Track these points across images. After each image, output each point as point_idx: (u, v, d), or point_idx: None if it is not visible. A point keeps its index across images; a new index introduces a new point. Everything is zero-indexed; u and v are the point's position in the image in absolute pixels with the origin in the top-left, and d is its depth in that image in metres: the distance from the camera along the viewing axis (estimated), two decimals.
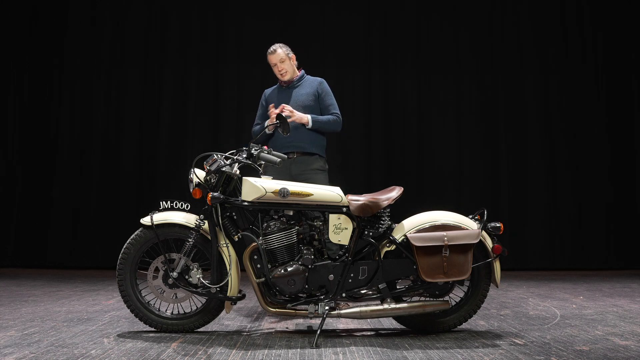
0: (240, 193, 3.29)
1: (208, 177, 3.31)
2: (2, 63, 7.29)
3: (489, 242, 3.31)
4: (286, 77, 4.14)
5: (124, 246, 3.33)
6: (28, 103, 7.26)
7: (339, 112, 4.13)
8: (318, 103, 4.11)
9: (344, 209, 3.28)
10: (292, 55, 4.14)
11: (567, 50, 7.42)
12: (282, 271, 3.22)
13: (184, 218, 3.33)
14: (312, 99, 4.09)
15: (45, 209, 7.14)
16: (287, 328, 3.51)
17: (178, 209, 3.35)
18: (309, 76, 4.23)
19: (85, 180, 7.17)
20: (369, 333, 3.38)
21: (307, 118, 4.00)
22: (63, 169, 7.17)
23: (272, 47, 4.12)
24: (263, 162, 3.32)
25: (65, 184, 7.16)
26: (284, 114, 3.77)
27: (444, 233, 3.20)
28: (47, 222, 7.13)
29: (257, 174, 3.38)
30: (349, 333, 3.37)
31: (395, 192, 3.34)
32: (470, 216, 3.38)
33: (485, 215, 3.33)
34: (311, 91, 4.12)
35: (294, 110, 3.97)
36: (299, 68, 4.21)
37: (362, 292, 3.29)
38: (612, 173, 7.32)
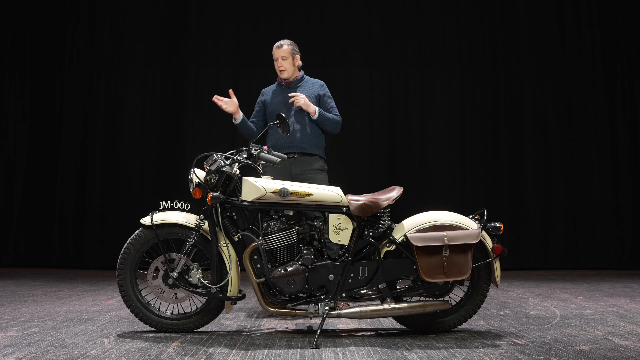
0: (240, 193, 3.29)
1: (208, 177, 3.31)
2: (1, 60, 7.29)
3: (489, 242, 3.31)
4: (284, 75, 4.14)
5: (124, 246, 3.33)
6: (29, 103, 7.25)
7: (340, 116, 4.19)
8: (319, 104, 4.12)
9: (344, 209, 3.28)
10: (297, 55, 4.15)
11: (566, 49, 7.40)
12: (282, 271, 3.22)
13: (184, 218, 3.33)
14: (313, 101, 4.09)
15: (45, 208, 7.13)
16: (287, 328, 3.51)
17: (178, 209, 3.35)
18: (309, 77, 4.24)
19: (86, 180, 7.16)
20: (369, 333, 3.38)
21: (314, 109, 4.02)
22: (64, 168, 7.17)
23: (281, 42, 4.14)
24: (263, 162, 3.32)
25: (66, 184, 7.15)
26: (297, 101, 3.95)
27: (444, 233, 3.20)
28: (47, 222, 7.12)
29: (257, 174, 3.38)
30: (349, 333, 3.37)
31: (395, 192, 3.34)
32: (470, 216, 3.38)
33: (485, 215, 3.33)
34: (312, 93, 4.13)
35: (306, 99, 4.01)
36: (299, 69, 4.21)
37: (362, 292, 3.29)
38: (613, 173, 7.31)
